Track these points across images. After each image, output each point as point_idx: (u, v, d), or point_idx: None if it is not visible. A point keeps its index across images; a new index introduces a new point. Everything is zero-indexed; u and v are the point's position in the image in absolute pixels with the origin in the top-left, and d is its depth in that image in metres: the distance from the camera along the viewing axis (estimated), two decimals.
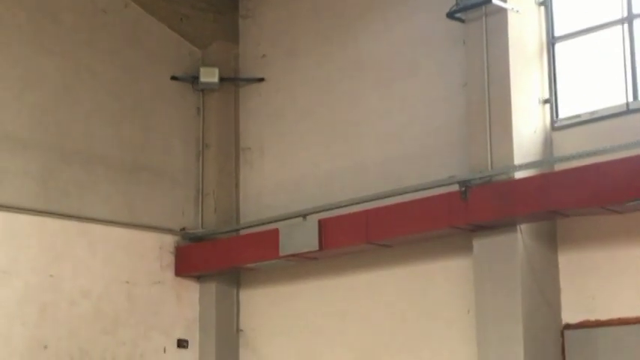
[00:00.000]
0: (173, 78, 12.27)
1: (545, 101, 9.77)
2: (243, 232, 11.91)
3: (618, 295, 9.07)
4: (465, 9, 9.85)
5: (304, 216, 10.91)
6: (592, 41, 9.71)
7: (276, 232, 11.01)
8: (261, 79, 12.38)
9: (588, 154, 8.95)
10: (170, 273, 11.88)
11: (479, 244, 9.54)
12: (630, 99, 9.21)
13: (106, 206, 11.42)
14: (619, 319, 9.00)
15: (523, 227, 9.28)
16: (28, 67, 11.06)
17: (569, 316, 9.37)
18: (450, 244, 10.01)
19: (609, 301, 9.11)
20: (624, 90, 9.25)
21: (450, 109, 10.27)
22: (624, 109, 9.21)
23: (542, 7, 9.94)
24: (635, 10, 9.39)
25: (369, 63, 11.22)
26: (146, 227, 11.71)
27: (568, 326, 9.34)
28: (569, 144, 9.47)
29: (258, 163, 12.27)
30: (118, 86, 11.79)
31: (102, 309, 11.21)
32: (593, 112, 9.45)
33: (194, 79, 12.30)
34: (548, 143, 9.66)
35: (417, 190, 10.01)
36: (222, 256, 11.69)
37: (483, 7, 9.72)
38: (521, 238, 9.26)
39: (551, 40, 9.90)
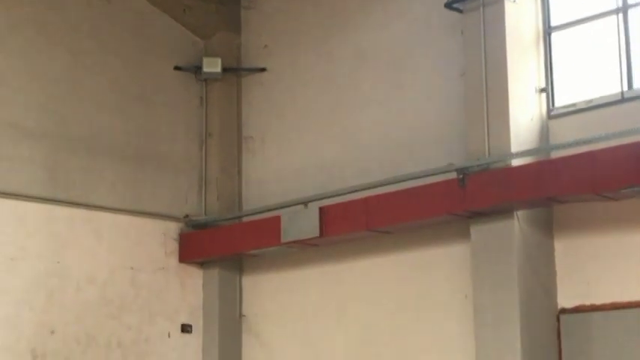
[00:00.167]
0: (176, 68, 12.30)
1: (542, 90, 9.78)
2: (245, 220, 11.95)
3: (613, 280, 9.11)
4: None
5: (305, 203, 10.96)
6: (587, 31, 9.72)
7: (277, 219, 11.08)
8: (263, 69, 12.42)
9: (584, 142, 8.98)
10: (174, 259, 11.93)
11: (476, 230, 9.58)
12: (625, 88, 9.24)
13: (111, 194, 11.48)
14: (613, 303, 9.04)
15: (520, 214, 9.32)
16: (33, 57, 11.11)
17: (564, 300, 9.41)
18: (448, 231, 10.06)
19: (604, 286, 9.15)
20: (619, 79, 9.27)
21: (448, 98, 10.31)
22: (619, 97, 9.23)
23: None
24: (629, 0, 9.40)
25: (369, 53, 11.26)
26: (150, 214, 11.77)
27: (564, 311, 9.38)
28: (565, 132, 9.50)
29: (260, 152, 12.32)
30: (122, 76, 11.83)
31: (107, 295, 11.28)
32: (588, 101, 9.49)
33: (197, 69, 12.31)
34: (544, 131, 9.68)
35: (415, 178, 10.07)
36: (224, 242, 11.75)
37: None
38: (518, 224, 9.30)
39: (548, 30, 9.91)
